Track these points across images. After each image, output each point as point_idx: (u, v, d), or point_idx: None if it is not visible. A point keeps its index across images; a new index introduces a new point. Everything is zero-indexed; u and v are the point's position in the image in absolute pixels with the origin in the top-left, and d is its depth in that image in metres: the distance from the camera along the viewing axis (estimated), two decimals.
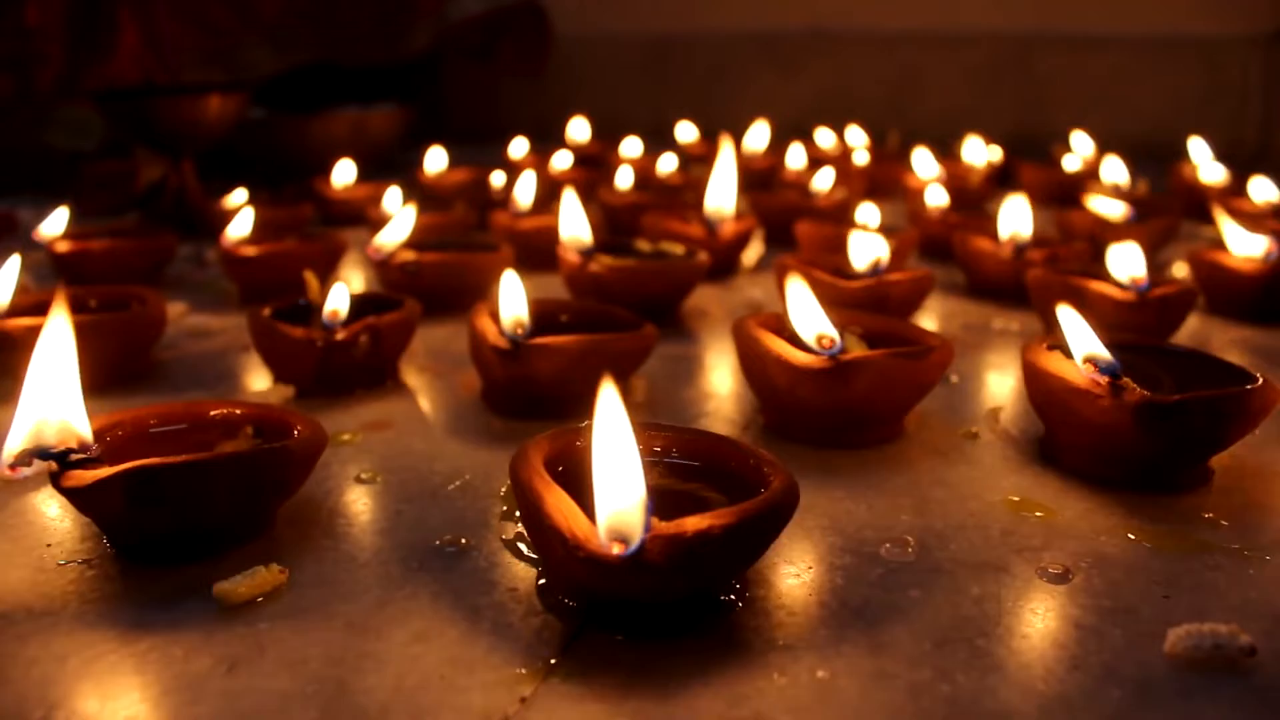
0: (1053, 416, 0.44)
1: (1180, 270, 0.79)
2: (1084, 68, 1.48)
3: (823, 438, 0.46)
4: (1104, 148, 1.16)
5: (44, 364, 0.35)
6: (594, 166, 1.17)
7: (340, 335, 0.51)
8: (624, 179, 0.99)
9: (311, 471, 0.39)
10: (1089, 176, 1.08)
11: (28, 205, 1.04)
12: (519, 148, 1.23)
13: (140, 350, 0.57)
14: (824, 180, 0.94)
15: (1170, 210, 0.87)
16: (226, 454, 0.36)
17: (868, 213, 0.77)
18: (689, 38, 1.66)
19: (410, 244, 0.69)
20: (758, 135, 1.26)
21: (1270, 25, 1.38)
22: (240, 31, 1.29)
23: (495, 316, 0.50)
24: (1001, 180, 1.16)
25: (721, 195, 0.76)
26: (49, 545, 0.37)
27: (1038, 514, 0.39)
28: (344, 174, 1.04)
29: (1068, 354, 0.43)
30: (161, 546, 0.35)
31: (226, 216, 0.75)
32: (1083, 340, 0.42)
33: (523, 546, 0.37)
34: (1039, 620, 0.32)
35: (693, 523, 0.29)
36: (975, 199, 0.99)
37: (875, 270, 0.61)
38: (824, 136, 1.31)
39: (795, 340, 0.46)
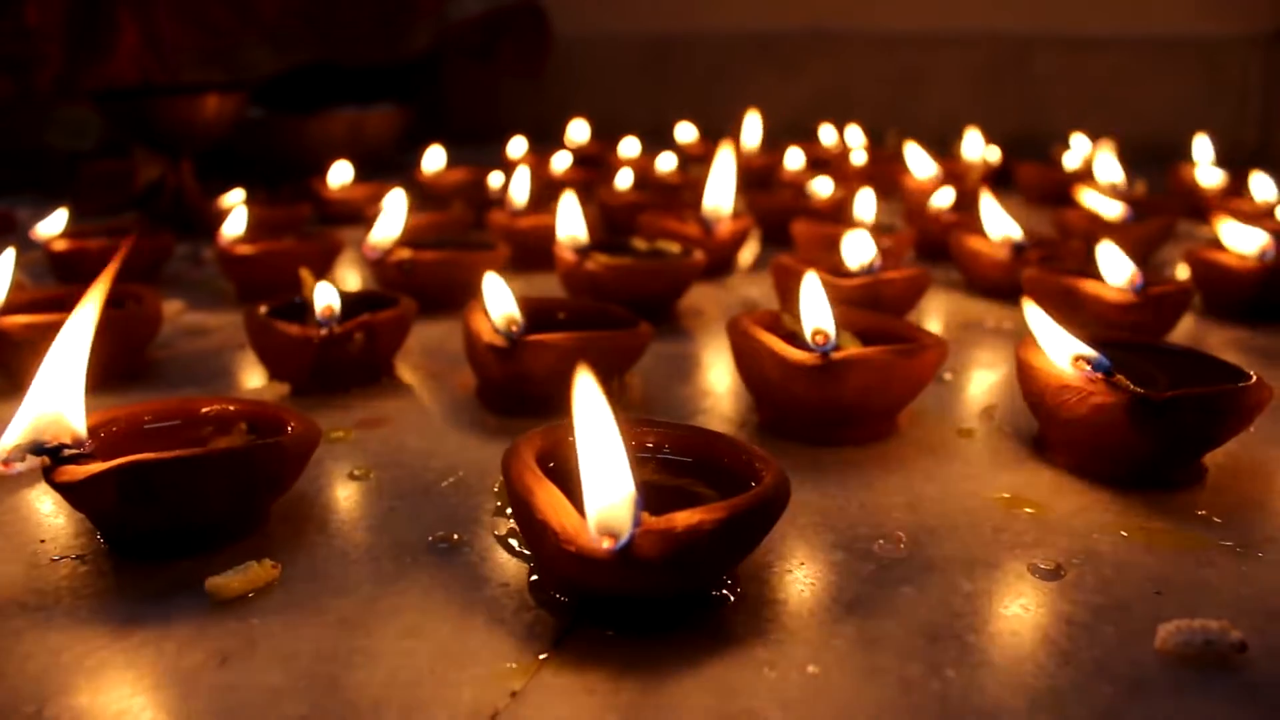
0: (1046, 414, 0.44)
1: (1182, 272, 0.79)
2: (1084, 68, 1.48)
3: (817, 434, 0.46)
4: (1099, 148, 1.16)
5: (59, 357, 0.35)
6: (593, 166, 1.17)
7: (336, 332, 0.51)
8: (622, 179, 0.99)
9: (305, 468, 0.39)
10: (1085, 175, 1.08)
11: (26, 205, 1.04)
12: (518, 148, 1.23)
13: (136, 348, 0.57)
14: (821, 183, 0.94)
15: (1168, 210, 0.87)
16: (219, 450, 0.36)
17: (866, 201, 0.77)
18: (689, 38, 1.66)
19: (406, 242, 0.69)
20: (752, 131, 1.26)
21: (1270, 25, 1.38)
22: (240, 31, 1.30)
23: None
24: (999, 180, 1.16)
25: (720, 195, 0.76)
26: (42, 541, 0.37)
27: (1030, 510, 0.39)
28: (340, 175, 1.04)
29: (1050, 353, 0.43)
30: (154, 542, 0.35)
31: (223, 215, 0.75)
32: (1062, 339, 0.43)
33: (514, 542, 0.37)
34: (1030, 616, 0.32)
35: (683, 518, 0.29)
36: (973, 198, 0.99)
37: (871, 269, 0.61)
38: (827, 134, 1.31)
39: (790, 337, 0.46)
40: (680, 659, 0.30)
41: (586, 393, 0.31)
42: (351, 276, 0.80)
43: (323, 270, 0.73)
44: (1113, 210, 0.82)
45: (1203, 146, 1.10)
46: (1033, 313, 0.44)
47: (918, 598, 0.33)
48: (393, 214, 0.68)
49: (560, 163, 1.13)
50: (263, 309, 0.54)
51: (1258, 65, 1.39)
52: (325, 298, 0.52)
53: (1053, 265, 0.66)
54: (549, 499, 0.31)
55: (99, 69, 1.17)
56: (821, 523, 0.38)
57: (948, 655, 0.30)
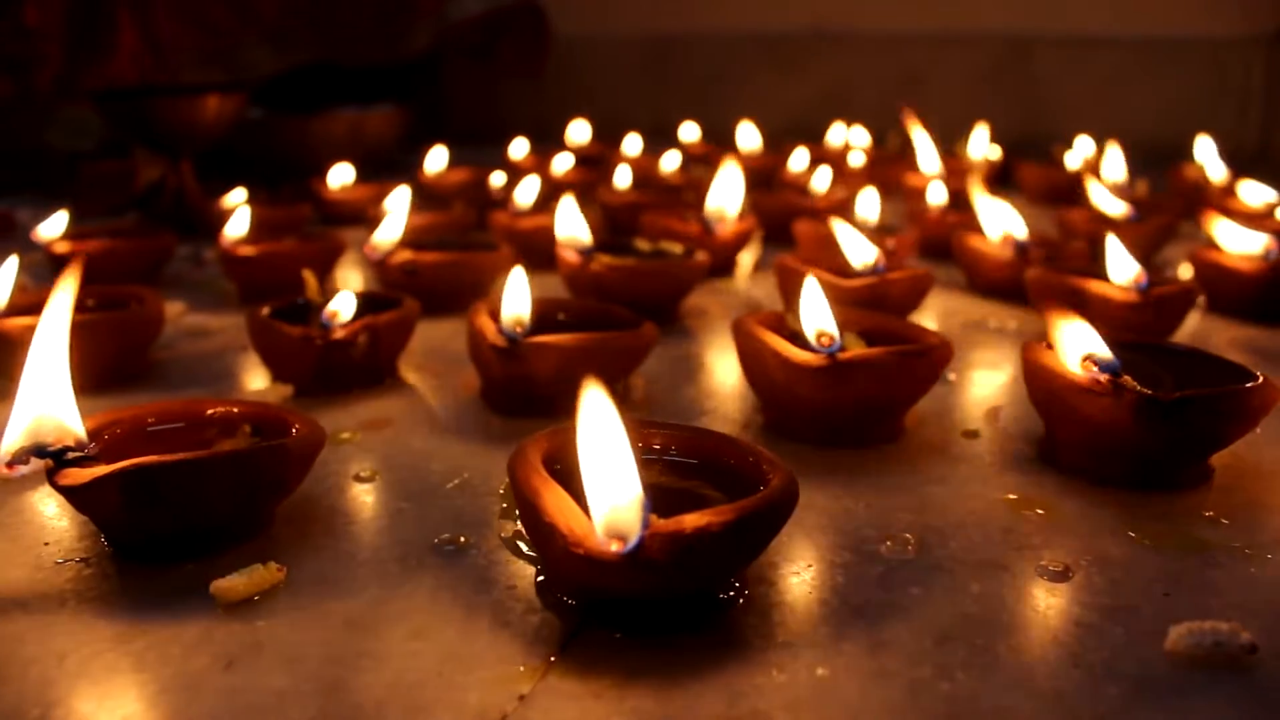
0: (1052, 415, 0.43)
1: (1186, 272, 0.79)
2: (1085, 69, 1.48)
3: (822, 436, 0.45)
4: (1105, 147, 1.16)
5: (39, 360, 0.35)
6: (594, 167, 1.17)
7: (339, 334, 0.51)
8: (623, 179, 0.99)
9: (310, 470, 0.39)
10: (1087, 174, 1.08)
11: (27, 205, 1.04)
12: (519, 148, 1.23)
13: (138, 349, 0.57)
14: (820, 177, 0.94)
15: (1170, 210, 0.87)
16: (224, 452, 0.36)
17: (869, 200, 0.77)
18: (689, 38, 1.66)
19: (409, 243, 0.69)
20: (748, 137, 1.26)
21: (1272, 26, 1.38)
22: (240, 31, 1.29)
23: (494, 315, 0.50)
24: (1001, 180, 1.16)
25: (724, 196, 0.76)
26: (46, 544, 0.37)
27: (1038, 512, 0.39)
28: (340, 176, 1.04)
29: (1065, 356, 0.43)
30: (159, 545, 0.35)
31: (225, 216, 0.74)
32: (1081, 339, 0.42)
33: (521, 544, 0.36)
34: (1039, 618, 0.32)
35: (691, 520, 0.29)
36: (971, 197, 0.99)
37: (874, 269, 0.61)
38: (835, 133, 1.31)
39: (795, 338, 0.46)
40: (688, 662, 0.29)
41: (593, 394, 0.31)
42: (354, 277, 0.80)
43: (325, 271, 0.73)
44: (1117, 209, 0.82)
45: (1205, 147, 1.09)
46: (1054, 313, 0.44)
47: (926, 600, 0.33)
48: (396, 215, 0.68)
49: (562, 164, 1.13)
50: (265, 310, 0.54)
51: (1260, 66, 1.39)
52: (341, 304, 0.52)
53: (1056, 265, 0.65)
54: (556, 501, 0.30)
55: (99, 69, 1.17)
56: (828, 524, 0.38)
57: (956, 657, 0.30)
